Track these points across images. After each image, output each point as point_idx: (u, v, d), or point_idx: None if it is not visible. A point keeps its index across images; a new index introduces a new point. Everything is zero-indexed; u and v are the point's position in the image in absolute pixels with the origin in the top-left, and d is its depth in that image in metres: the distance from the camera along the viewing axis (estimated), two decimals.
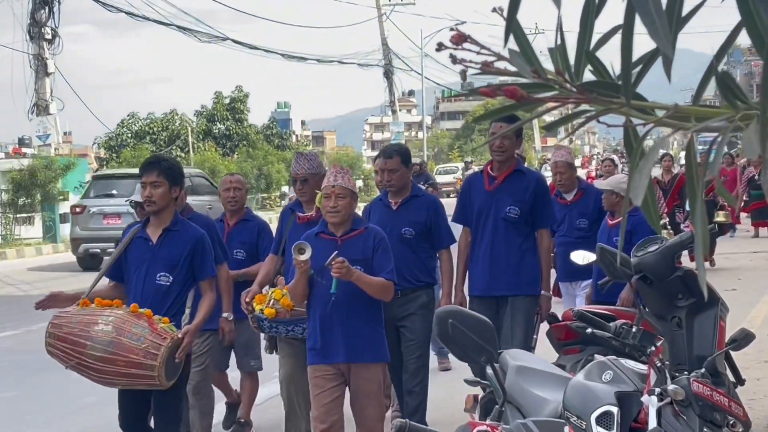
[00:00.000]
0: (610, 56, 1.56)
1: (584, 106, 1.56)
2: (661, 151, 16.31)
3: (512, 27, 1.51)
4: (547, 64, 1.55)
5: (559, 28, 1.56)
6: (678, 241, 4.66)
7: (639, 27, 1.48)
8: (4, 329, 11.89)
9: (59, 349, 5.01)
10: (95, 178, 21.70)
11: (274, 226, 6.59)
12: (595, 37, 1.56)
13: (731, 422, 3.49)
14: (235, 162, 40.54)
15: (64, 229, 24.81)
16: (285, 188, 38.51)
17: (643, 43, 1.59)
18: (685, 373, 3.68)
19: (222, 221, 6.86)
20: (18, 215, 25.52)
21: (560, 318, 5.69)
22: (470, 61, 1.49)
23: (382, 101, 57.03)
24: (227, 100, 45.21)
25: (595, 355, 3.98)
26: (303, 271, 5.00)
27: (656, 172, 15.97)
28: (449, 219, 6.47)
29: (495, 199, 6.28)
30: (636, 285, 4.57)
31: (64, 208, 25.48)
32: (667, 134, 1.67)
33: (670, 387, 3.40)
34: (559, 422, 3.44)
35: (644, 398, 3.41)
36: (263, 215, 10.50)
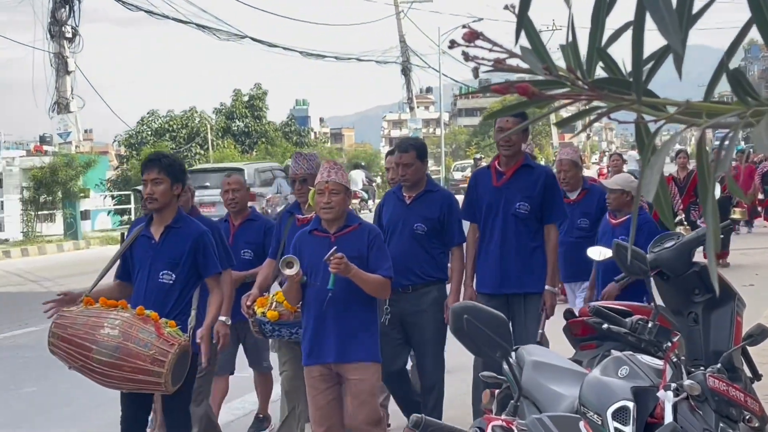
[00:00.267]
0: (622, 53, 1.57)
1: (596, 103, 1.57)
2: (678, 147, 16.19)
3: (523, 24, 1.53)
4: (561, 62, 1.56)
5: (571, 25, 1.57)
6: (694, 237, 4.67)
7: (651, 24, 1.49)
8: (27, 325, 11.98)
9: (62, 349, 4.95)
10: (191, 172, 22.36)
11: None
12: (607, 34, 1.57)
13: (747, 417, 3.49)
14: (254, 159, 40.65)
15: (85, 226, 25.04)
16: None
17: (655, 39, 1.59)
18: (702, 368, 3.68)
19: (227, 221, 6.79)
20: (39, 212, 25.79)
21: (576, 314, 5.70)
22: (483, 59, 1.50)
23: (399, 98, 57.02)
24: (246, 98, 45.29)
25: (612, 351, 3.99)
26: (295, 282, 5.00)
27: (672, 168, 15.93)
28: None
29: (504, 195, 6.16)
30: (653, 281, 4.57)
31: (84, 205, 25.71)
32: (680, 130, 1.67)
33: (686, 382, 3.41)
34: (574, 417, 3.45)
35: (660, 393, 3.41)
36: None
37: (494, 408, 4.39)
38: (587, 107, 1.58)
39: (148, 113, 44.50)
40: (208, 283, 5.30)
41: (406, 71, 50.91)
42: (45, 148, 35.31)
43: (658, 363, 3.64)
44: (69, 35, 27.39)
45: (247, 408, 7.53)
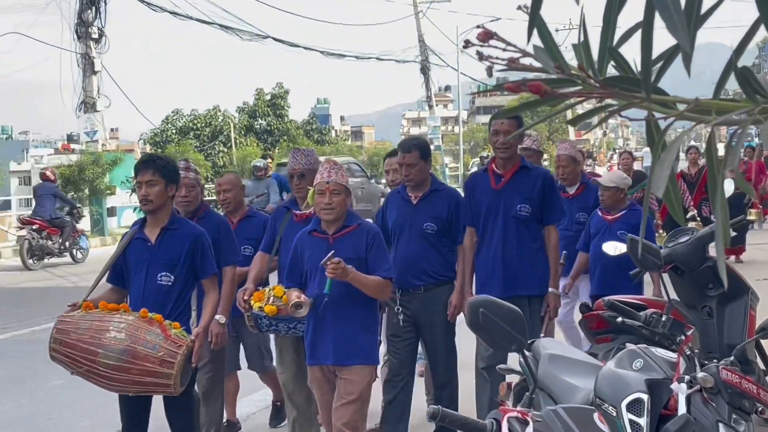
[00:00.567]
0: (633, 52, 1.62)
1: (608, 101, 1.62)
2: (692, 142, 16.01)
3: (536, 23, 1.57)
4: (574, 62, 1.60)
5: (582, 24, 1.62)
6: (708, 231, 4.72)
7: (662, 22, 1.54)
8: (54, 319, 12.10)
9: (65, 355, 4.90)
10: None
11: None
12: (619, 33, 1.60)
13: (760, 409, 3.53)
14: (276, 156, 40.82)
15: (111, 223, 25.30)
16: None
17: (666, 38, 1.64)
18: (715, 361, 3.72)
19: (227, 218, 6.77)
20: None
21: (592, 307, 5.74)
22: (497, 58, 1.56)
23: (419, 96, 57.07)
24: (268, 97, 45.49)
25: (626, 344, 4.04)
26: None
27: (683, 165, 15.87)
28: None
29: (504, 198, 6.07)
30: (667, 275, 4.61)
31: (111, 202, 25.94)
32: (688, 128, 1.72)
33: (700, 374, 3.45)
34: (588, 409, 3.49)
35: (674, 386, 3.45)
36: None
37: (511, 400, 4.45)
38: (600, 104, 1.63)
39: (172, 112, 44.79)
40: (204, 284, 5.27)
41: (425, 70, 50.86)
42: (72, 146, 35.48)
43: (671, 356, 3.68)
44: (95, 36, 27.63)
45: (268, 400, 7.58)
